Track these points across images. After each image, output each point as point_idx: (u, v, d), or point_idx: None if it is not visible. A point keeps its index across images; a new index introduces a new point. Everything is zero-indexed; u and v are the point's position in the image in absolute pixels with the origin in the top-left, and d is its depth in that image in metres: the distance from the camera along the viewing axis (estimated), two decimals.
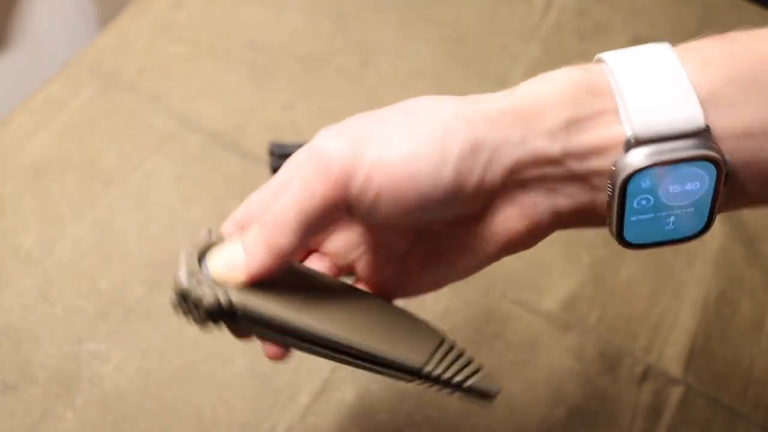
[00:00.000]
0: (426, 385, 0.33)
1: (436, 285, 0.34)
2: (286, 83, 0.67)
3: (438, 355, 0.32)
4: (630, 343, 0.55)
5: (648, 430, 0.52)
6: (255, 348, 0.52)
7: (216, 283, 0.30)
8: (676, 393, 0.53)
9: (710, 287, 0.58)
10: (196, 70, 0.67)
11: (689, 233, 0.31)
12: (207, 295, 0.29)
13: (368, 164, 0.29)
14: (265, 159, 0.61)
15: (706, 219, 0.31)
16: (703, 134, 0.28)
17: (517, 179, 0.30)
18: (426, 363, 0.32)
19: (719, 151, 0.28)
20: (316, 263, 0.35)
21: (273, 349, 0.33)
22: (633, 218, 0.30)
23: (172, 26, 0.70)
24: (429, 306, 0.55)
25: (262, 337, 0.32)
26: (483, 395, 0.32)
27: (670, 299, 0.58)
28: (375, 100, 0.66)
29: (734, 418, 0.53)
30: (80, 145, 0.61)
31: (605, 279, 0.58)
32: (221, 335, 0.52)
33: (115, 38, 0.69)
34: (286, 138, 0.63)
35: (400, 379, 0.32)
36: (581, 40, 0.73)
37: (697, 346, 0.56)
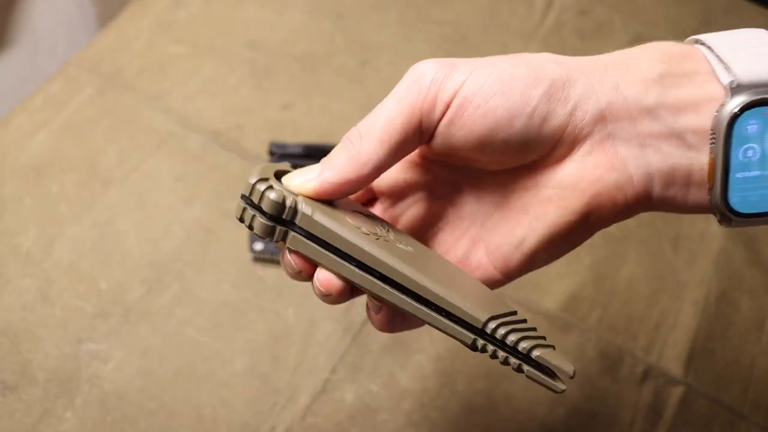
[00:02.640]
0: (488, 351, 0.29)
1: (516, 253, 0.32)
2: (285, 83, 0.67)
3: (506, 319, 0.29)
4: (630, 343, 0.55)
5: (648, 430, 0.52)
6: (255, 348, 0.52)
7: (285, 189, 0.29)
8: (676, 393, 0.53)
9: (711, 287, 0.58)
10: (196, 70, 0.67)
11: None
12: (273, 192, 0.28)
13: (460, 78, 0.29)
14: (264, 159, 0.61)
15: None
16: None
17: (608, 126, 0.29)
18: (492, 319, 0.28)
19: None
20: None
21: (327, 278, 0.30)
22: (739, 175, 0.28)
23: (171, 26, 0.70)
24: None
25: (314, 261, 0.30)
26: (552, 372, 0.29)
27: (671, 299, 0.58)
28: (375, 100, 0.66)
29: (735, 418, 0.53)
30: (80, 145, 0.61)
31: (605, 279, 0.58)
32: (221, 335, 0.53)
33: (114, 38, 0.69)
34: (286, 138, 0.63)
35: (459, 337, 0.29)
36: (581, 40, 0.73)
37: (697, 346, 0.56)
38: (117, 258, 0.55)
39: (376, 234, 0.30)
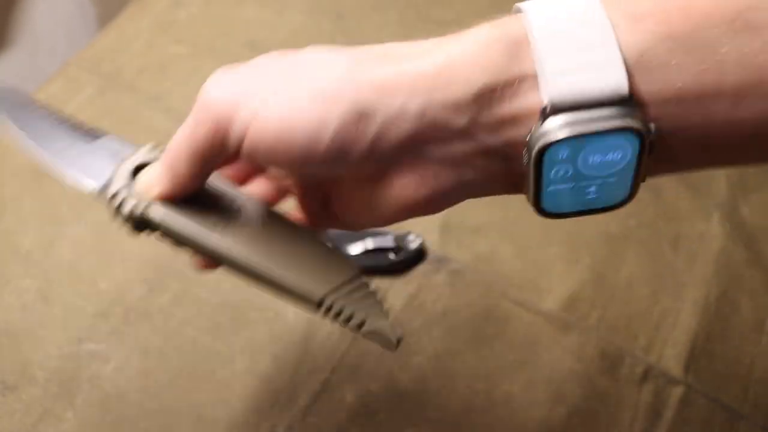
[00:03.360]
0: (330, 318, 0.33)
1: (356, 225, 0.33)
2: None
3: (344, 290, 0.32)
4: (630, 343, 0.55)
5: (648, 430, 0.52)
6: (255, 348, 0.52)
7: (140, 197, 0.34)
8: (676, 393, 0.53)
9: (711, 287, 0.58)
10: (196, 70, 0.67)
11: (611, 203, 0.29)
12: (127, 205, 0.34)
13: (244, 118, 0.29)
14: None
15: (629, 189, 0.29)
16: (626, 102, 0.26)
17: (414, 151, 0.28)
18: (327, 295, 0.32)
19: (643, 121, 0.26)
20: (262, 185, 0.37)
21: (199, 261, 0.35)
22: (551, 188, 0.28)
23: (171, 26, 0.70)
24: (428, 306, 0.55)
25: (179, 247, 0.35)
26: (381, 341, 0.33)
27: (671, 299, 0.58)
28: None
29: (735, 418, 0.53)
30: None
31: (605, 279, 0.58)
32: (221, 335, 0.53)
33: (114, 38, 0.69)
34: None
35: (306, 308, 0.33)
36: None
37: (697, 346, 0.56)
38: (117, 258, 0.55)
39: (220, 222, 0.33)
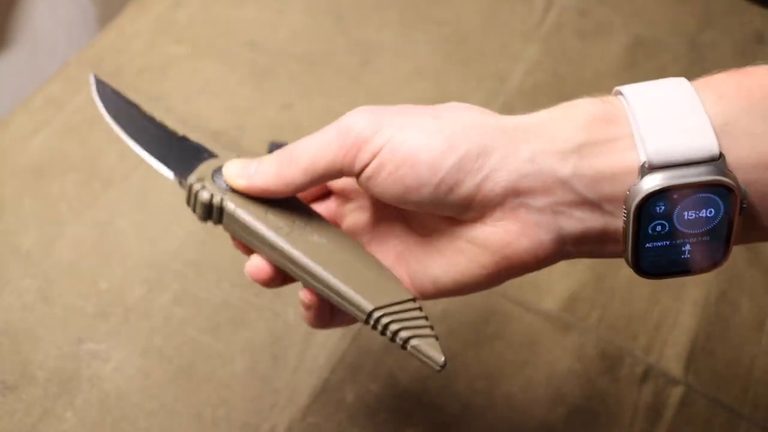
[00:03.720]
0: (378, 330, 0.34)
1: (430, 285, 0.35)
2: (285, 83, 0.67)
3: (395, 308, 0.34)
4: (630, 343, 0.55)
5: (648, 430, 0.52)
6: (255, 348, 0.52)
7: (217, 188, 0.36)
8: (676, 393, 0.53)
9: (710, 287, 0.58)
10: (196, 70, 0.67)
11: (705, 264, 0.31)
12: (204, 192, 0.36)
13: (380, 141, 0.31)
14: None
15: (722, 249, 0.31)
16: (717, 162, 0.29)
17: (521, 195, 0.30)
18: (377, 310, 0.33)
19: (734, 179, 0.29)
20: (323, 207, 0.39)
21: (255, 265, 0.36)
22: (648, 245, 0.30)
23: (172, 26, 0.70)
24: (428, 306, 0.54)
25: (244, 243, 0.36)
26: (427, 360, 0.34)
27: (671, 299, 0.58)
28: (375, 100, 0.66)
29: (735, 418, 0.53)
30: (80, 145, 0.61)
31: (605, 279, 0.58)
32: (221, 335, 0.53)
33: (115, 38, 0.69)
34: (286, 138, 0.63)
35: (358, 317, 0.34)
36: (581, 40, 0.73)
37: (697, 346, 0.56)
38: (117, 258, 0.55)
39: (288, 227, 0.35)
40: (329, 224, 0.37)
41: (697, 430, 0.52)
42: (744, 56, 0.75)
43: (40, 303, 0.53)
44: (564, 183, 0.30)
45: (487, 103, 0.67)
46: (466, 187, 0.30)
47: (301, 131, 0.63)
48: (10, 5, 0.93)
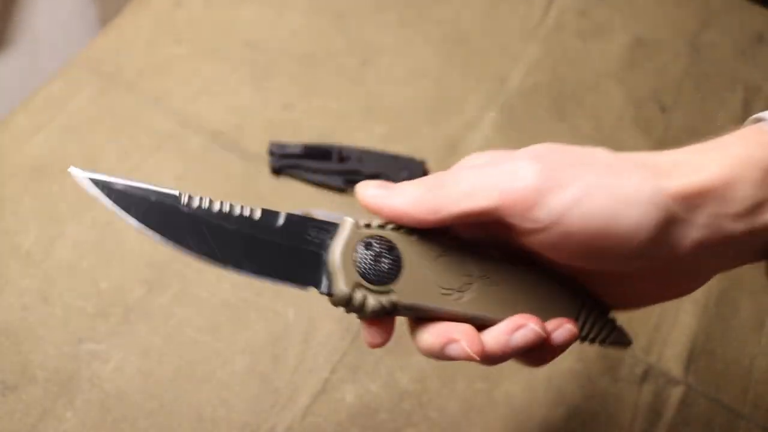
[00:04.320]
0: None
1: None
2: (285, 83, 0.67)
3: (581, 318, 0.36)
4: None
5: (648, 430, 0.52)
6: (255, 348, 0.52)
7: (374, 291, 0.32)
8: (676, 393, 0.53)
9: (711, 288, 0.58)
10: (196, 70, 0.67)
11: None
12: (372, 300, 0.32)
13: (563, 201, 0.30)
14: (265, 159, 0.61)
15: None
16: None
17: (701, 253, 0.32)
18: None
19: None
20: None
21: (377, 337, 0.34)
22: None
23: (172, 26, 0.70)
24: None
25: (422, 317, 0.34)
26: (621, 342, 0.38)
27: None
28: (375, 100, 0.66)
29: (734, 418, 0.53)
30: (80, 145, 0.61)
31: None
32: (221, 335, 0.53)
33: (115, 38, 0.69)
34: (286, 138, 0.63)
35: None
36: (581, 40, 0.73)
37: (697, 346, 0.56)
38: (117, 258, 0.55)
39: (461, 287, 0.33)
40: (498, 261, 0.34)
41: (697, 430, 0.52)
42: (744, 56, 0.75)
43: (40, 303, 0.53)
44: (740, 237, 0.32)
45: (487, 103, 0.67)
46: (658, 252, 0.32)
47: (301, 131, 0.64)
48: (10, 5, 0.93)
